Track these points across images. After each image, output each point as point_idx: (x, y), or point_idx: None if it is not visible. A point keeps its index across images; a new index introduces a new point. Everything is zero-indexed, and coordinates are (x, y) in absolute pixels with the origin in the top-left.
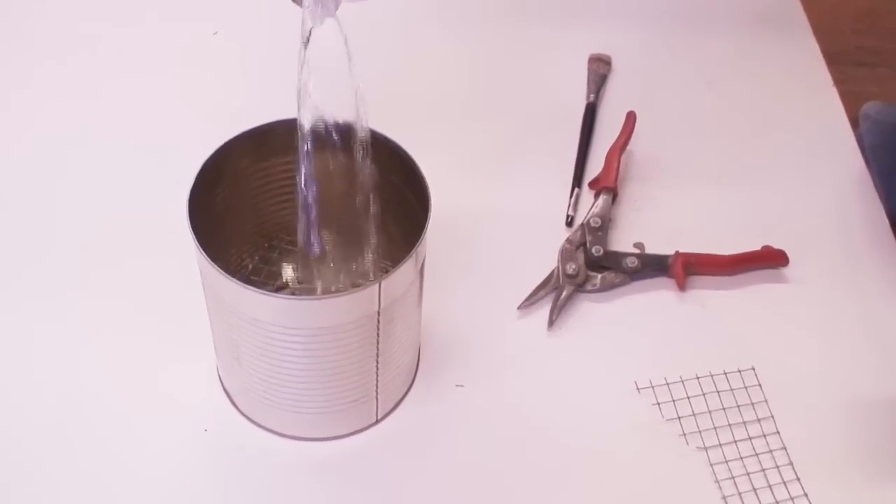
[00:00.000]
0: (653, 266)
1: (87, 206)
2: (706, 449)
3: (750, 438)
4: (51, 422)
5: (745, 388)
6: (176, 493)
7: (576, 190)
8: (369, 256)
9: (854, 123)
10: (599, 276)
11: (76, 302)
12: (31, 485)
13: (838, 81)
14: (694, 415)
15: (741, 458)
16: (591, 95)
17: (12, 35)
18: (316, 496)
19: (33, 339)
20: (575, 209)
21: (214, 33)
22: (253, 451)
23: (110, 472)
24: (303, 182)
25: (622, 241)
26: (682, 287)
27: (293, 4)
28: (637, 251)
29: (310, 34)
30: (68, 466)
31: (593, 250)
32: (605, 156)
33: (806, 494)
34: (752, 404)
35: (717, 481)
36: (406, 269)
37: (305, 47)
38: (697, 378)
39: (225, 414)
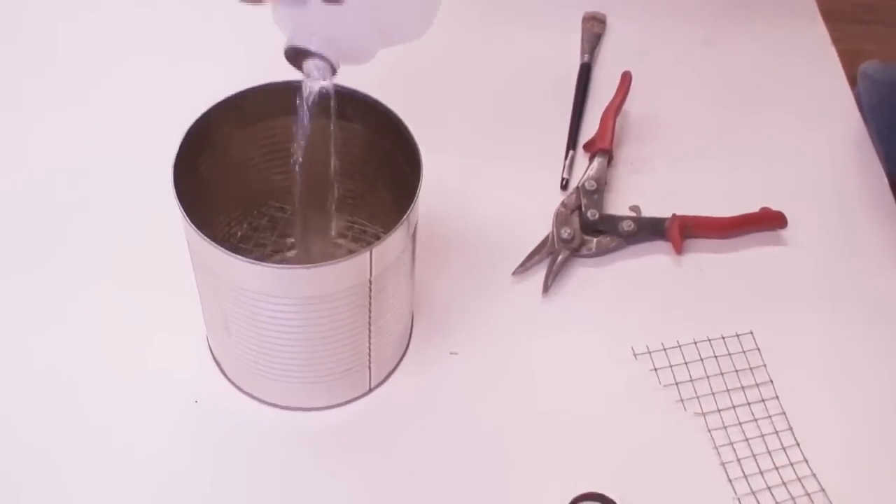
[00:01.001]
0: (649, 229)
1: (72, 175)
2: (704, 415)
3: (748, 404)
4: (41, 394)
5: (744, 352)
6: (167, 465)
7: (570, 152)
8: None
9: (852, 82)
10: (595, 240)
11: (62, 273)
12: (22, 457)
13: (836, 39)
14: (692, 380)
15: (740, 423)
16: (586, 55)
17: None
18: (309, 466)
19: (20, 311)
20: (570, 172)
21: None
22: (244, 422)
23: (101, 445)
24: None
25: (618, 204)
26: (679, 250)
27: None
28: (633, 214)
29: (310, 99)
30: (58, 439)
31: (588, 214)
32: (600, 117)
33: (806, 460)
34: (751, 369)
35: (715, 447)
36: (398, 236)
37: (306, 110)
38: (695, 343)
39: (215, 384)
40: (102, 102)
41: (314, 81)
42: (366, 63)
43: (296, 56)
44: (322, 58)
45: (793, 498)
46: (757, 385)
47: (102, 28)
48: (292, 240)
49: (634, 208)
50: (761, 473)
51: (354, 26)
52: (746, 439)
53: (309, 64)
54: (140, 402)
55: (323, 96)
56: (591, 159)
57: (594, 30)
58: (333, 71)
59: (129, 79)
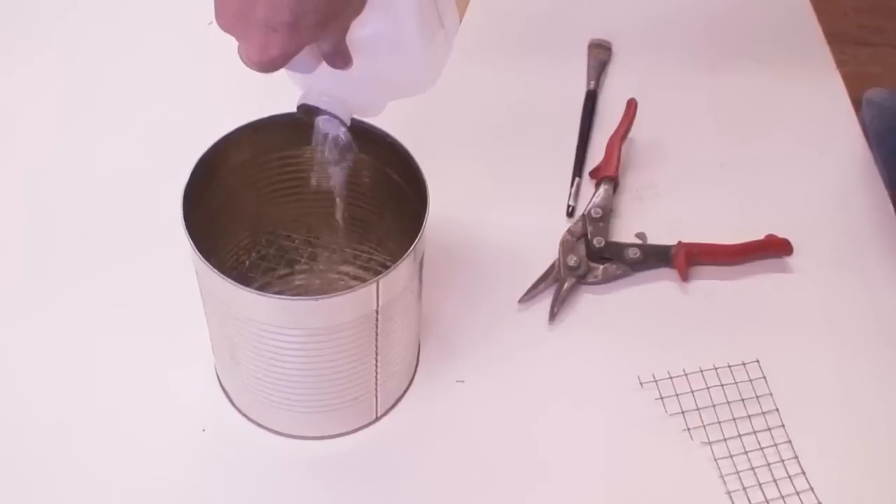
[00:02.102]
0: (655, 257)
1: (82, 201)
2: (710, 444)
3: (755, 432)
4: (50, 422)
5: (750, 381)
6: (175, 493)
7: (576, 180)
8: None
9: (857, 105)
10: (601, 267)
11: (71, 301)
12: (32, 485)
13: (841, 62)
14: (698, 409)
15: (746, 452)
16: (592, 83)
17: (2, 29)
18: (316, 495)
19: (29, 339)
20: (576, 199)
21: (210, 23)
22: (252, 451)
23: (109, 472)
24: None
25: (624, 231)
26: (684, 278)
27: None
28: (639, 242)
29: (325, 143)
30: (68, 466)
31: (595, 241)
32: (605, 144)
33: (812, 489)
34: (757, 398)
35: (721, 476)
36: (405, 267)
37: (321, 151)
38: (701, 371)
39: (223, 413)
40: (113, 127)
41: (328, 128)
42: (376, 115)
43: (308, 112)
44: (333, 115)
45: None
46: (763, 414)
47: (111, 52)
48: (301, 268)
49: (640, 235)
50: (767, 502)
51: (363, 87)
52: (752, 468)
53: (321, 120)
54: (148, 430)
55: (336, 141)
56: (596, 186)
57: (600, 57)
58: (344, 125)
59: (141, 107)
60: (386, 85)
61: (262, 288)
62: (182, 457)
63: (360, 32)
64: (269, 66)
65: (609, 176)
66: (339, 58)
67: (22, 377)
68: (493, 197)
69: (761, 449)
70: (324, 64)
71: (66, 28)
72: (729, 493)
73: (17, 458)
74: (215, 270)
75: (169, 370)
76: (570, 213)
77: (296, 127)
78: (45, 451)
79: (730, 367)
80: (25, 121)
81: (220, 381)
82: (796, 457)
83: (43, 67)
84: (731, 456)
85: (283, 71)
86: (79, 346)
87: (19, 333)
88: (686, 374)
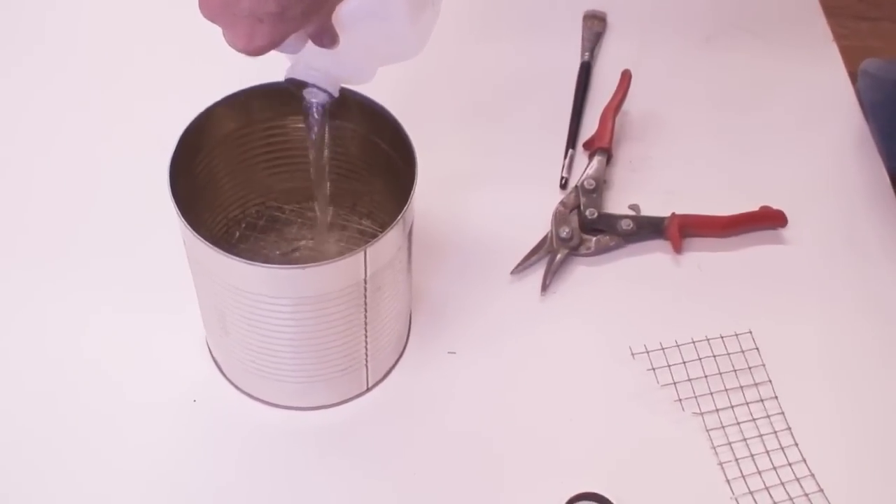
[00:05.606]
0: (648, 228)
1: (69, 177)
2: (702, 414)
3: (747, 403)
4: (40, 393)
5: (742, 352)
6: (165, 463)
7: (570, 151)
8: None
9: (855, 79)
10: (594, 239)
11: (61, 272)
12: (21, 454)
13: (840, 36)
14: (690, 380)
15: (738, 423)
16: (586, 54)
17: None
18: (306, 465)
19: (19, 310)
20: (569, 171)
21: None
22: (242, 421)
23: (101, 443)
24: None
25: (617, 203)
26: (677, 249)
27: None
28: (632, 213)
29: (312, 111)
30: (58, 438)
31: (587, 213)
32: (599, 116)
33: (804, 460)
34: (750, 368)
35: (713, 447)
36: (392, 236)
37: (310, 120)
38: (693, 342)
39: (214, 384)
40: (101, 104)
41: (315, 99)
42: (366, 83)
43: (296, 85)
44: (321, 88)
45: (791, 498)
46: (755, 385)
47: (100, 30)
48: (291, 239)
49: (634, 207)
50: (759, 473)
51: (351, 58)
52: (745, 439)
53: (308, 92)
54: (139, 401)
55: (321, 110)
56: (590, 158)
57: (594, 28)
58: (332, 97)
59: (127, 80)
60: (374, 55)
61: (251, 258)
62: (173, 427)
63: (347, 7)
64: (255, 53)
65: (603, 147)
66: (326, 37)
67: (12, 351)
68: (486, 168)
69: (753, 420)
70: (309, 46)
71: (52, 4)
72: (721, 463)
73: (10, 430)
74: (202, 239)
75: (160, 341)
76: (564, 185)
77: (281, 96)
78: (37, 423)
79: (722, 338)
80: (14, 95)
81: (210, 352)
82: (789, 428)
83: (32, 49)
84: (723, 427)
85: None
86: (70, 318)
87: (11, 308)
88: (678, 345)
